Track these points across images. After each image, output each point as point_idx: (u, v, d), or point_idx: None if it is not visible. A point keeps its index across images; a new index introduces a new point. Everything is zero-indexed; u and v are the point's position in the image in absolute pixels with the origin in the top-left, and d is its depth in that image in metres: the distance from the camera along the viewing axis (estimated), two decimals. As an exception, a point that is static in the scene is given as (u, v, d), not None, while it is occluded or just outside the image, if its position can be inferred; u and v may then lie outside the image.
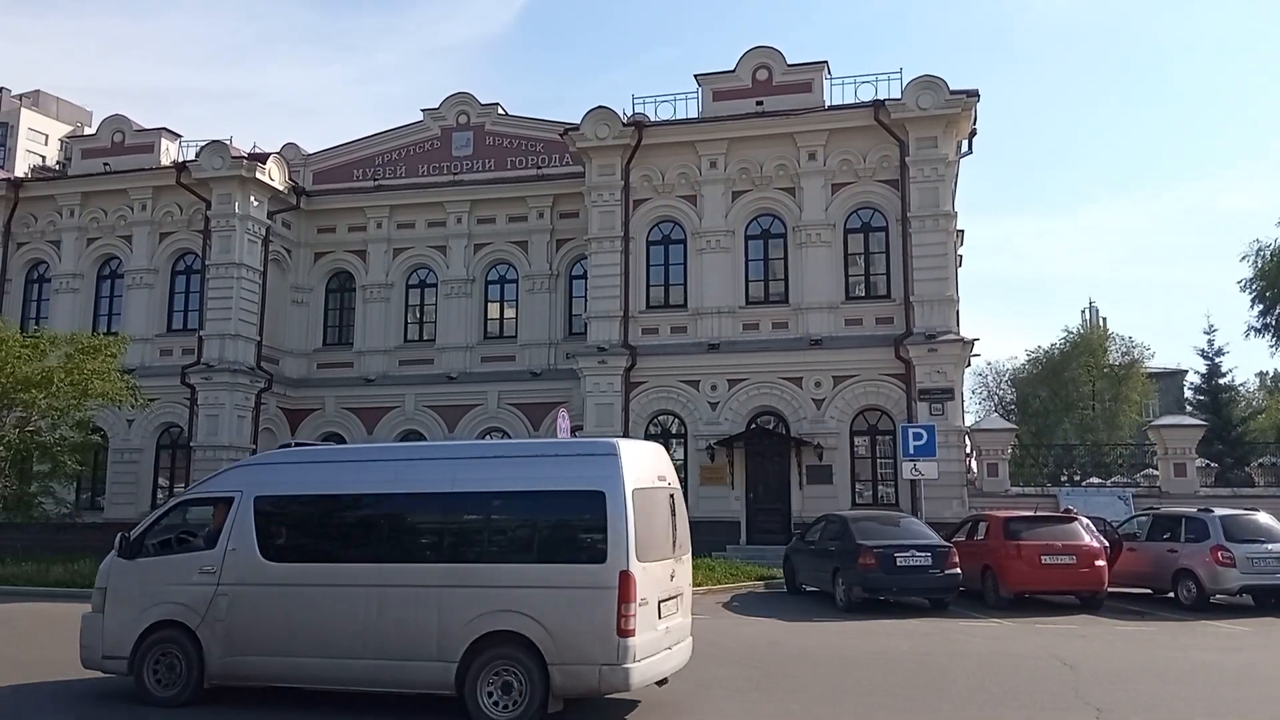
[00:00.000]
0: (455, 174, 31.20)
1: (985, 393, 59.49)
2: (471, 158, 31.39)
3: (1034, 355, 57.61)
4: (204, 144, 29.50)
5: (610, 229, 26.87)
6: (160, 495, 29.07)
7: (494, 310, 30.99)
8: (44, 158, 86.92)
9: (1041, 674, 11.02)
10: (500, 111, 31.78)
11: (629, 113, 27.28)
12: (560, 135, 28.15)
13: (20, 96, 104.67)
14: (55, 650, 11.69)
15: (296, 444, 13.52)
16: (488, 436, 29.90)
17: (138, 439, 28.96)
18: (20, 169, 52.60)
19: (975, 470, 26.74)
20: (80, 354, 24.48)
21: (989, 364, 60.35)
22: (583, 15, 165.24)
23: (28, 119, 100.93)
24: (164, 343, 29.71)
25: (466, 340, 30.39)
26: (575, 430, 23.93)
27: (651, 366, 26.17)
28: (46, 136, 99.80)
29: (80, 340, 25.24)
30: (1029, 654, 12.45)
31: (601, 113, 26.92)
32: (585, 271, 28.22)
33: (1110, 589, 17.09)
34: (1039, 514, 18.87)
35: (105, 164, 31.16)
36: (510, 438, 29.33)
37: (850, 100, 26.39)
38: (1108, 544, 17.41)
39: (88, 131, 49.81)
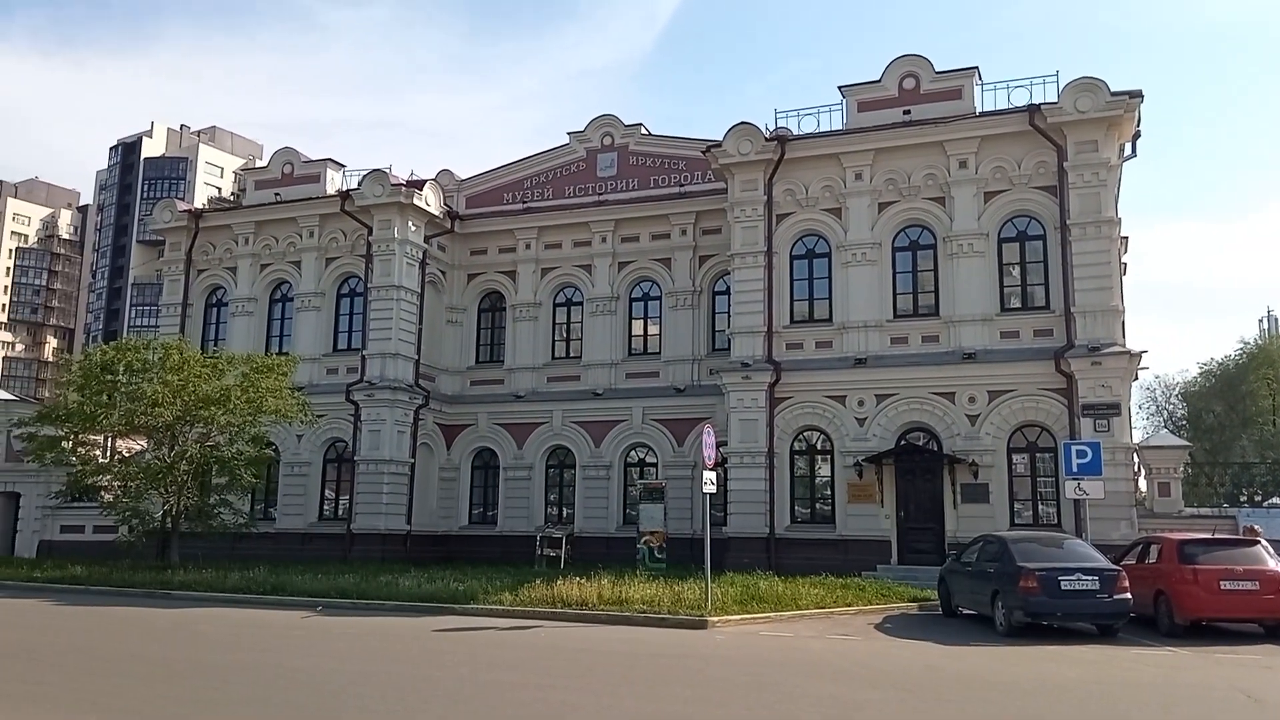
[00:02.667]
0: (600, 194, 31.83)
1: (1154, 408, 56.52)
2: (616, 178, 31.96)
3: (1207, 368, 54.42)
4: (365, 173, 31.06)
5: (753, 244, 26.78)
6: (327, 507, 30.61)
7: (638, 327, 31.36)
8: (220, 189, 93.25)
9: (1223, 707, 10.31)
10: (643, 131, 32.24)
11: (771, 127, 27.17)
12: (702, 152, 28.29)
13: (198, 133, 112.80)
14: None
15: None
16: (632, 452, 30.28)
17: (307, 453, 30.57)
18: (199, 201, 56.64)
19: (1144, 490, 25.37)
20: (255, 373, 26.12)
21: (1157, 377, 57.40)
22: (724, 32, 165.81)
23: (205, 154, 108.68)
24: (330, 362, 31.32)
25: (611, 357, 30.84)
26: (720, 446, 23.88)
27: (796, 382, 25.89)
28: (222, 169, 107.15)
29: (255, 360, 26.91)
30: (1209, 685, 11.67)
31: (744, 128, 26.92)
32: (728, 287, 28.23)
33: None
34: (1217, 536, 17.69)
35: (276, 194, 33.19)
36: (655, 453, 29.63)
37: (1003, 106, 25.54)
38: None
39: (259, 164, 53.03)
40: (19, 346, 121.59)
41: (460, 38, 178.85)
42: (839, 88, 27.18)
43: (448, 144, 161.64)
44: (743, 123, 26.97)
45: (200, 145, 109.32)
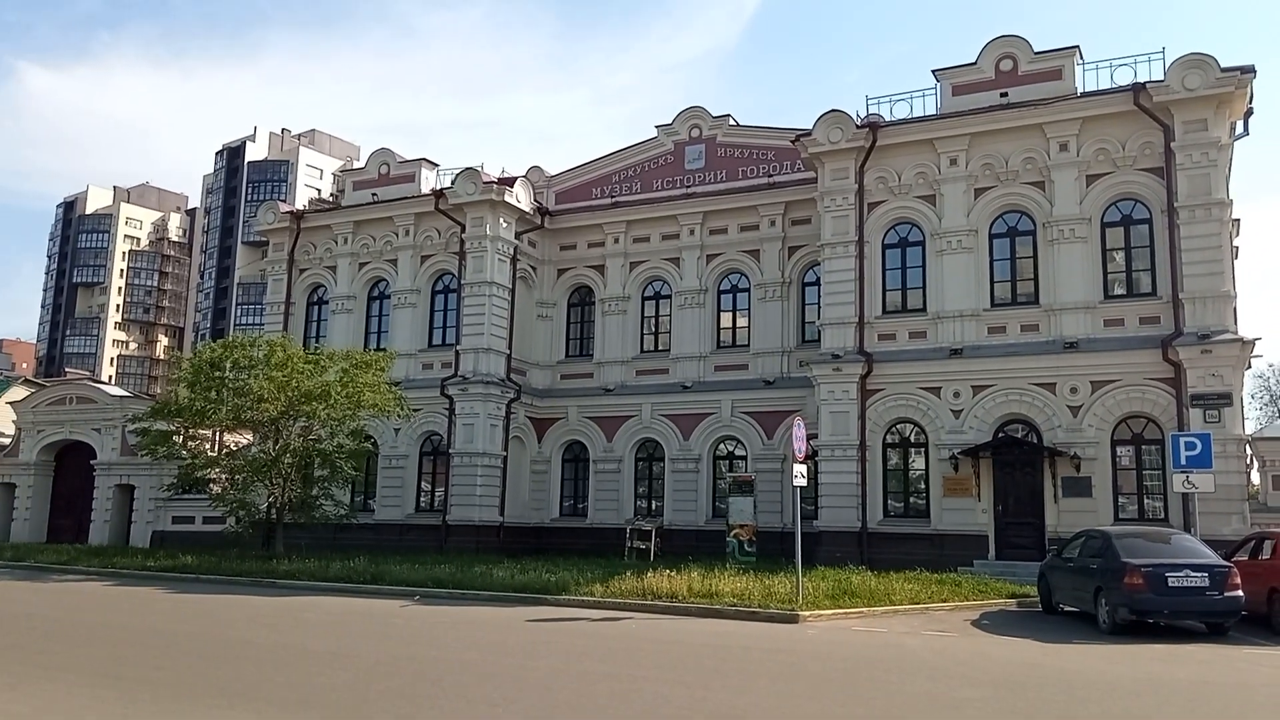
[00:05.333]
0: (688, 187, 31.78)
1: (1268, 398, 54.04)
2: (703, 170, 31.87)
3: (1328, 355, 51.52)
4: (458, 171, 31.61)
5: (844, 234, 26.41)
6: (423, 499, 31.31)
7: (726, 320, 31.24)
8: (319, 190, 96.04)
9: (1348, 714, 9.79)
10: (731, 123, 32.07)
11: (862, 114, 26.75)
12: (791, 142, 28.01)
13: (299, 136, 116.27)
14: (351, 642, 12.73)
15: None
16: (721, 445, 30.20)
17: (404, 446, 31.31)
18: (300, 202, 58.36)
19: (1257, 483, 24.28)
20: (354, 369, 26.84)
21: (1271, 366, 55.02)
22: (812, 19, 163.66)
23: (305, 156, 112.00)
24: (425, 357, 32.00)
25: (700, 350, 30.79)
26: (810, 439, 23.65)
27: (889, 373, 25.46)
28: (321, 171, 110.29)
29: (354, 356, 27.63)
30: (1331, 690, 11.10)
31: (834, 116, 26.55)
32: (818, 278, 27.90)
33: None
34: (1338, 533, 16.81)
35: (373, 194, 34.03)
36: (744, 446, 29.49)
37: (1106, 85, 24.63)
38: None
39: (357, 165, 54.45)
40: (132, 345, 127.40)
41: (552, 36, 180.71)
42: (933, 71, 26.62)
43: (540, 141, 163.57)
44: (833, 110, 26.61)
45: (300, 148, 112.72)
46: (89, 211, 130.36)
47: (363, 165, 37.74)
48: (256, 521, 27.52)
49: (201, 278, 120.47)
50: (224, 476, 28.55)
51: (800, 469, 17.91)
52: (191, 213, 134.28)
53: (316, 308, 34.93)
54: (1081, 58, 25.37)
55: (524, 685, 10.30)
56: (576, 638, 14.26)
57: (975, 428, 24.43)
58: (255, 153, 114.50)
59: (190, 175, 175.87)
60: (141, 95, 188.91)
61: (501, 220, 31.16)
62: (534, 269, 33.18)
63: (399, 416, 28.55)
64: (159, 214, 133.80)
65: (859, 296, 26.01)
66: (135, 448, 32.13)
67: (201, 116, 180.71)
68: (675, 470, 30.40)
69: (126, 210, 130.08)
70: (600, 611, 17.05)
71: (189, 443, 29.12)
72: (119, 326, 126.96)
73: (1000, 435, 24.45)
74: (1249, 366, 23.98)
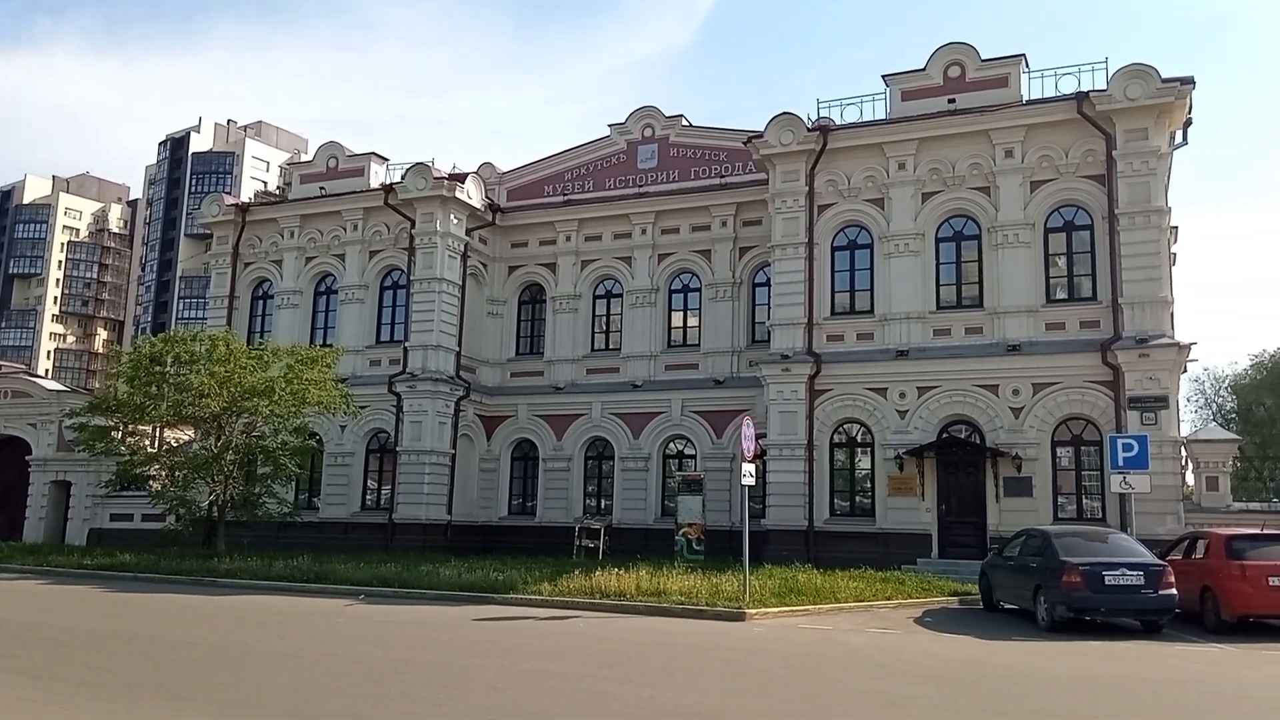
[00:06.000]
0: (640, 186, 31.80)
1: (1202, 400, 55.53)
2: (656, 170, 31.92)
3: (1258, 360, 53.33)
4: (408, 167, 31.31)
5: (794, 235, 26.63)
6: (369, 497, 31.00)
7: (677, 319, 31.32)
8: (266, 183, 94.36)
9: (1273, 706, 10.11)
10: (684, 123, 32.16)
11: (813, 117, 27.00)
12: (744, 143, 28.18)
13: (245, 128, 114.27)
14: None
15: None
16: (671, 444, 30.29)
17: (350, 443, 30.95)
18: (245, 195, 57.46)
19: (1192, 484, 24.92)
20: (299, 365, 26.50)
21: (1206, 370, 56.51)
22: (765, 23, 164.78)
23: (251, 148, 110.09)
24: (373, 354, 31.66)
25: (650, 349, 30.85)
26: (759, 439, 23.82)
27: (837, 374, 25.73)
28: (268, 164, 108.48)
29: (299, 352, 27.27)
30: (1257, 683, 11.46)
31: (785, 119, 26.76)
32: (768, 279, 28.10)
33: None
34: (1266, 531, 17.34)
35: (321, 188, 33.57)
36: (693, 445, 29.62)
37: (1050, 94, 25.14)
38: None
39: (305, 158, 53.64)
40: (70, 338, 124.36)
41: (506, 34, 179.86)
42: (882, 77, 26.95)
43: (492, 139, 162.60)
44: (784, 113, 26.82)
45: (247, 140, 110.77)
46: (26, 201, 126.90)
47: (311, 159, 37.20)
48: (197, 519, 27.04)
49: (143, 270, 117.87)
50: (164, 473, 28.03)
51: (749, 468, 18.04)
52: (133, 204, 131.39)
53: (261, 302, 34.38)
54: (1027, 66, 25.86)
55: (470, 685, 10.24)
56: (523, 636, 14.21)
57: (920, 428, 24.78)
58: (200, 144, 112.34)
59: (132, 166, 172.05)
60: (83, 83, 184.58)
61: (452, 216, 30.92)
62: (485, 266, 32.98)
63: (345, 413, 28.21)
64: (99, 204, 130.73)
65: (808, 297, 26.25)
66: (72, 443, 31.35)
67: (145, 106, 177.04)
68: (625, 469, 30.42)
69: (66, 200, 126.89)
70: (548, 610, 17.01)
71: (128, 439, 28.54)
72: (56, 319, 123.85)
73: (944, 436, 24.84)
74: (1185, 370, 24.63)
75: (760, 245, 28.90)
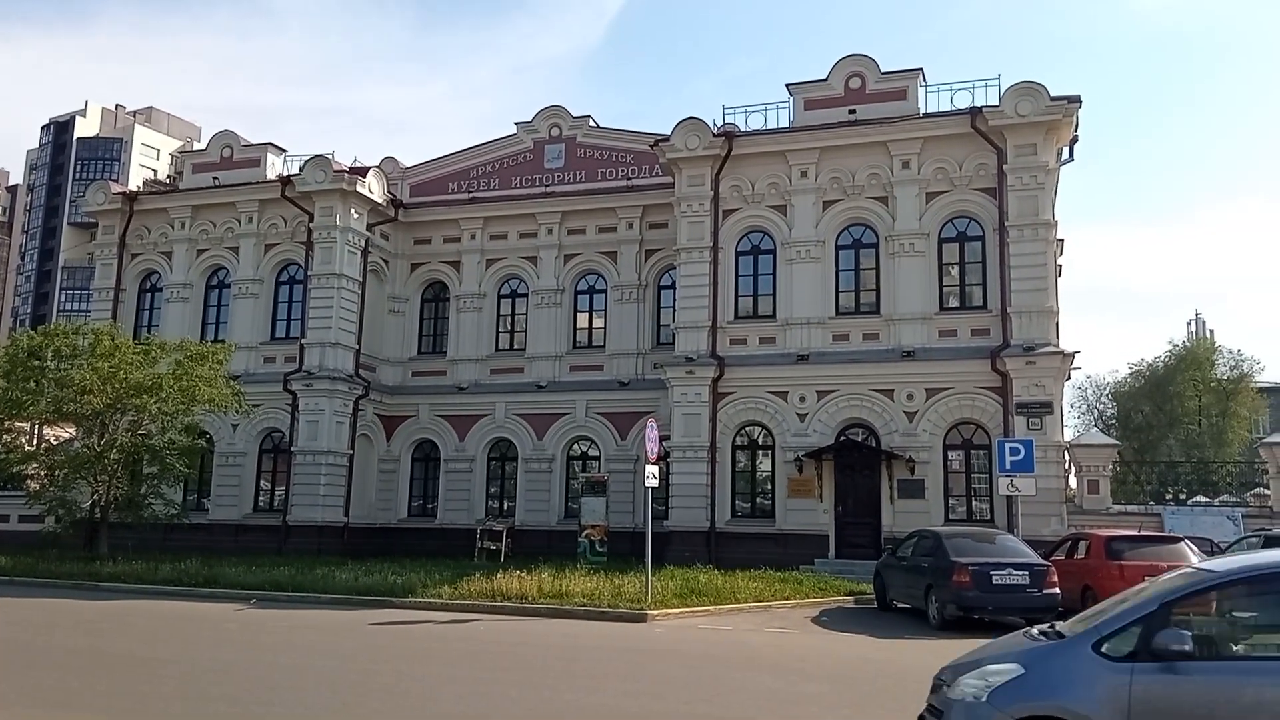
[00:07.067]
0: (547, 186, 31.65)
1: (1085, 407, 57.89)
2: (563, 170, 31.81)
3: (1137, 369, 55.84)
4: (307, 159, 30.50)
5: (699, 239, 26.88)
6: (262, 498, 30.11)
7: (583, 320, 31.28)
8: (155, 172, 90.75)
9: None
10: (591, 124, 32.13)
11: (719, 123, 27.29)
12: (650, 146, 28.30)
13: (134, 113, 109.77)
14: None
15: None
16: (575, 445, 30.23)
17: (242, 443, 30.01)
18: (134, 183, 55.13)
19: (1075, 487, 25.98)
20: (189, 361, 25.56)
21: (1089, 377, 58.83)
22: (672, 28, 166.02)
23: (141, 135, 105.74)
24: (267, 350, 30.76)
25: (556, 350, 30.73)
26: (663, 440, 23.96)
27: (740, 377, 26.06)
28: (158, 151, 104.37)
29: (189, 348, 26.30)
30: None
31: (691, 123, 26.99)
32: (674, 282, 28.31)
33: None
34: (1142, 533, 18.21)
35: (214, 178, 32.45)
36: (597, 447, 29.61)
37: (946, 108, 25.94)
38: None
39: (197, 147, 51.88)
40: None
41: (410, 27, 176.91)
42: (786, 86, 27.39)
43: (395, 134, 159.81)
44: (691, 118, 27.06)
45: (136, 126, 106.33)
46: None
47: (204, 147, 35.96)
48: (78, 521, 25.89)
49: (22, 259, 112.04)
50: (43, 472, 26.73)
51: (652, 470, 18.14)
52: (13, 190, 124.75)
53: (149, 295, 33.07)
54: (925, 80, 26.62)
55: (366, 690, 10.02)
56: (422, 641, 13.99)
57: (819, 431, 25.27)
58: (86, 128, 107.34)
59: (13, 150, 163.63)
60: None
61: (352, 211, 30.26)
62: (386, 262, 32.36)
63: (237, 412, 27.29)
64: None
65: (712, 301, 26.53)
66: (-60, 441, 29.62)
67: (27, 86, 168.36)
68: (528, 470, 30.23)
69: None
70: (448, 614, 16.78)
71: (4, 436, 27.13)
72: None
73: (842, 439, 25.38)
74: (1069, 378, 25.69)
75: (666, 248, 29.08)
